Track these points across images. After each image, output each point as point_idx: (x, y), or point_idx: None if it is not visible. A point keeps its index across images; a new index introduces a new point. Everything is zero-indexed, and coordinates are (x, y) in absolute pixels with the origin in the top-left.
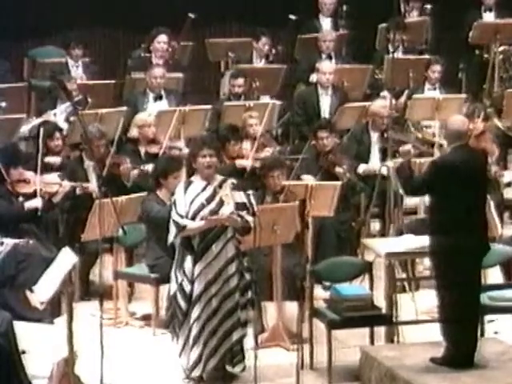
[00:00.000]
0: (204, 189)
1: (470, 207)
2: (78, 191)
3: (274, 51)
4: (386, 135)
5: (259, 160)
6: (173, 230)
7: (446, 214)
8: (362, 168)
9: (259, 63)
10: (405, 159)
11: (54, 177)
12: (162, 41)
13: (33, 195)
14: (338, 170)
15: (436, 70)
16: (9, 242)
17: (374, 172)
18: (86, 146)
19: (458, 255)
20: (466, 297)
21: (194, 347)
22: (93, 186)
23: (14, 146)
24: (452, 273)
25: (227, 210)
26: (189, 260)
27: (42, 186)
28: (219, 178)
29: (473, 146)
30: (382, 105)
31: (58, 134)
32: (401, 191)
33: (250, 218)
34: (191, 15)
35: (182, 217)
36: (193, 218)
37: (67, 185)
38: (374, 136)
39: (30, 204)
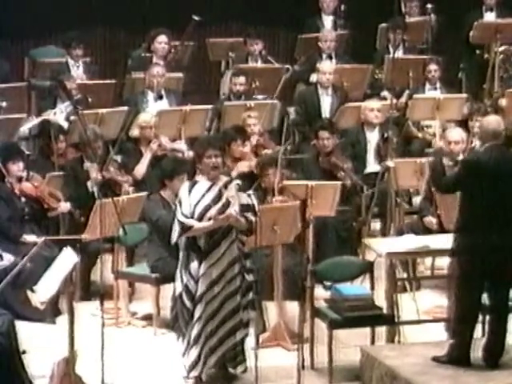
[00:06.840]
0: (209, 189)
1: (500, 206)
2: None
3: (263, 52)
4: (385, 135)
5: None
6: (176, 229)
7: (475, 213)
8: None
9: (254, 64)
10: (437, 157)
11: (59, 193)
12: (162, 41)
13: (35, 200)
14: (340, 173)
15: (432, 69)
16: (8, 257)
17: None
18: (83, 147)
19: (486, 254)
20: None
21: (193, 347)
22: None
23: (12, 144)
24: (477, 272)
25: (233, 211)
26: (195, 260)
27: (45, 195)
28: (224, 178)
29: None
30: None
31: (61, 137)
32: (433, 188)
33: (253, 219)
34: (196, 18)
35: (186, 217)
36: (200, 219)
37: (66, 207)
38: (370, 136)
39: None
